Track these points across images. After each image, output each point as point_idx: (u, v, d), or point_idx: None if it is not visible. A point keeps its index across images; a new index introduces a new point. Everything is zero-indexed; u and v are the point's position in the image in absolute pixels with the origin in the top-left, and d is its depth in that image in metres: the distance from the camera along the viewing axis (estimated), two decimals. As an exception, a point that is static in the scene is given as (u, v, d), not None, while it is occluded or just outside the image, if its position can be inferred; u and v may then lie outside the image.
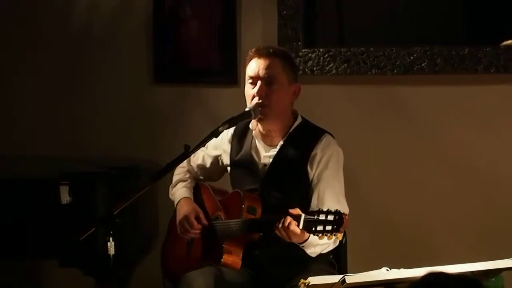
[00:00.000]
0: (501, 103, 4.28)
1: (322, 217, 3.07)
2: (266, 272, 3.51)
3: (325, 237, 3.09)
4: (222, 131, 3.42)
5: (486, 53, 4.24)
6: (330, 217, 3.06)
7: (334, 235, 3.07)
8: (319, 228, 3.07)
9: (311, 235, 3.20)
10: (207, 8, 4.76)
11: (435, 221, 4.39)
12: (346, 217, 3.08)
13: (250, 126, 3.61)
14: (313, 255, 3.44)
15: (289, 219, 3.20)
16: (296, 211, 3.21)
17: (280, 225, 3.22)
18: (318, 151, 3.51)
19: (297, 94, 3.57)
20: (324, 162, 3.50)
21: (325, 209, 3.09)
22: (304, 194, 3.50)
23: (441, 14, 4.52)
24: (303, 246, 3.37)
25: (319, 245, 3.38)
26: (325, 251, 3.47)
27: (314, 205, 3.44)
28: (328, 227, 3.06)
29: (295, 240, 3.28)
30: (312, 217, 3.10)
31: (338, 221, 3.06)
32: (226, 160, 3.71)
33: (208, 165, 3.78)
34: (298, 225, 3.16)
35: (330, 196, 3.46)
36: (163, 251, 3.83)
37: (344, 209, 3.43)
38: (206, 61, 4.80)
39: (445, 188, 4.37)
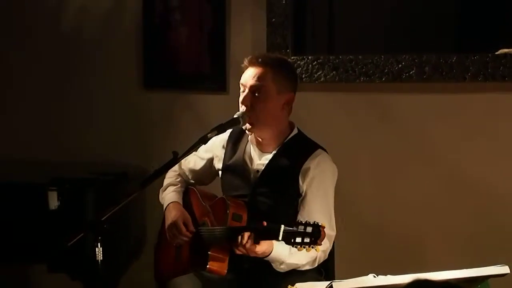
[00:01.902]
0: (489, 111, 4.29)
1: (301, 228, 3.06)
2: (253, 279, 3.51)
3: (304, 249, 3.07)
4: (211, 137, 3.41)
5: (474, 61, 4.26)
6: (309, 229, 3.05)
7: (312, 247, 3.06)
8: (298, 240, 3.05)
9: (274, 251, 3.27)
10: (197, 14, 4.76)
11: (424, 228, 4.40)
12: (324, 229, 3.05)
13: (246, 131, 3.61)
14: (282, 271, 3.43)
15: (246, 235, 3.21)
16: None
17: (238, 243, 3.22)
18: (312, 165, 3.49)
19: (289, 104, 3.53)
20: (317, 177, 3.48)
21: (303, 221, 3.07)
22: (293, 204, 3.49)
23: (430, 22, 4.54)
24: (267, 260, 3.38)
25: (285, 263, 3.39)
26: (301, 269, 3.46)
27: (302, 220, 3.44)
28: (306, 239, 3.05)
29: (254, 255, 3.29)
30: (291, 228, 3.08)
31: (315, 234, 3.04)
32: (218, 164, 3.70)
33: (199, 168, 3.77)
34: (277, 237, 3.12)
35: (319, 212, 3.44)
36: (155, 254, 3.81)
37: (332, 227, 3.47)
38: (195, 67, 4.79)
39: (433, 195, 4.38)
